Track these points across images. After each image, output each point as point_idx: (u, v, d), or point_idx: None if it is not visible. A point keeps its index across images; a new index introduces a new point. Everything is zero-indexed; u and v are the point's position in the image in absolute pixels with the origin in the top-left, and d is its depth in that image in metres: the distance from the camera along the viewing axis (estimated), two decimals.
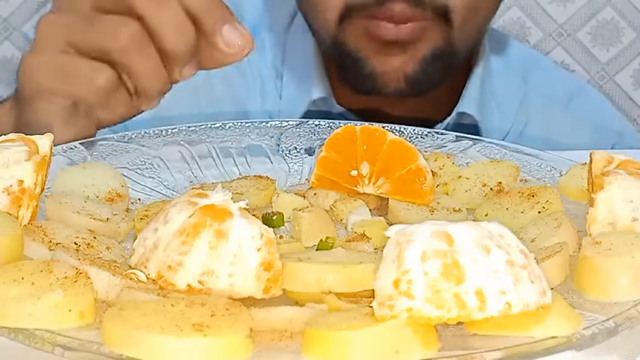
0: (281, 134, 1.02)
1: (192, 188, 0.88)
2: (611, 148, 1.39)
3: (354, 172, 0.88)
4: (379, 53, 1.22)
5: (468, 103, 1.32)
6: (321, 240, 0.78)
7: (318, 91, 1.30)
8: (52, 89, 0.92)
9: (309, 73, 1.32)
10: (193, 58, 0.92)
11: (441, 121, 1.32)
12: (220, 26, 0.89)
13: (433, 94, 1.29)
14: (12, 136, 0.78)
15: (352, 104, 1.30)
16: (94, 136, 0.97)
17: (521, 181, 0.92)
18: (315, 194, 0.88)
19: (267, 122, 1.03)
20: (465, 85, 1.33)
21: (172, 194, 0.91)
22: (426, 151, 0.96)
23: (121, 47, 0.88)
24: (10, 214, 0.73)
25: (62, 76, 0.91)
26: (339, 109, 1.30)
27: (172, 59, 0.91)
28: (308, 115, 1.30)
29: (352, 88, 1.27)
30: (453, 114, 1.32)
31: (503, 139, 1.33)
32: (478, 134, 1.29)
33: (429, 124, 1.28)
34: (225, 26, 0.89)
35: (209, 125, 1.01)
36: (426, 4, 1.20)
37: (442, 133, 1.02)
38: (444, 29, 1.22)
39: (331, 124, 1.02)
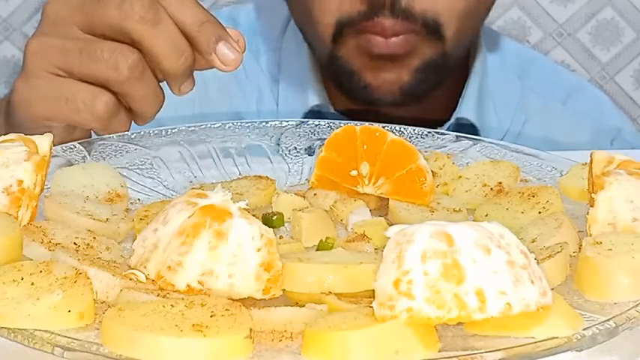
0: (281, 134, 1.02)
1: (192, 188, 0.88)
2: (610, 144, 1.39)
3: (354, 172, 0.88)
4: (372, 67, 1.23)
5: (466, 109, 1.32)
6: (321, 240, 0.78)
7: (314, 98, 1.31)
8: (50, 117, 0.91)
9: (305, 80, 1.32)
10: (191, 74, 0.92)
11: (440, 126, 1.31)
12: (215, 44, 0.89)
13: (431, 99, 1.29)
14: (12, 136, 0.77)
15: (348, 113, 1.30)
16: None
17: (521, 181, 0.92)
18: (315, 194, 0.88)
19: (267, 122, 1.03)
20: (463, 88, 1.33)
21: (172, 194, 0.91)
22: (426, 151, 0.96)
23: (122, 79, 0.88)
24: (10, 215, 0.73)
25: (60, 104, 0.90)
26: (337, 117, 1.30)
27: (171, 78, 0.90)
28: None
29: (350, 99, 1.28)
30: (452, 120, 1.32)
31: (501, 139, 1.33)
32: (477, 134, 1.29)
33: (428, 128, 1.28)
34: (220, 43, 0.89)
35: (209, 125, 1.01)
36: (415, 17, 1.20)
37: (442, 133, 1.02)
38: (436, 43, 1.22)
39: (331, 124, 1.02)
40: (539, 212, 0.82)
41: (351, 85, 1.25)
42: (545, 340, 0.61)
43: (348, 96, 1.27)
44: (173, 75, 0.90)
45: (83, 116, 0.90)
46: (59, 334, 0.60)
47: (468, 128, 1.30)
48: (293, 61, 1.35)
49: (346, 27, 1.21)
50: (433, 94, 1.28)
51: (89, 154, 0.93)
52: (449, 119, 1.32)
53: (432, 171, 0.87)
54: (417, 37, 1.21)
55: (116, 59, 0.87)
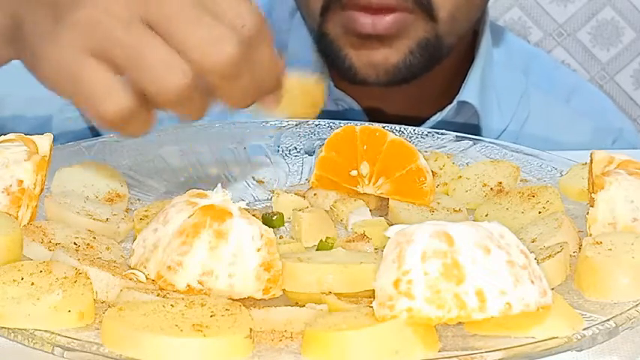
0: (281, 134, 1.02)
1: (192, 188, 0.88)
2: (612, 145, 1.39)
3: (354, 172, 0.88)
4: (358, 46, 1.22)
5: (469, 93, 1.32)
6: (321, 240, 0.78)
7: (315, 69, 1.31)
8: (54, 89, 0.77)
9: (308, 59, 1.32)
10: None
11: (440, 110, 1.32)
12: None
13: (434, 84, 1.29)
14: (12, 136, 0.78)
15: (348, 89, 1.31)
16: None
17: (521, 181, 0.92)
18: (315, 194, 0.88)
19: (267, 122, 1.03)
20: (466, 75, 1.33)
21: (172, 194, 0.91)
22: (426, 151, 0.96)
23: (163, 98, 0.71)
24: (10, 215, 0.73)
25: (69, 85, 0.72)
26: (338, 93, 1.30)
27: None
28: None
29: (338, 76, 1.28)
30: (454, 102, 1.32)
31: (503, 132, 1.33)
32: (479, 125, 1.30)
33: (430, 114, 1.28)
34: None
35: (209, 125, 1.01)
36: None
37: (442, 133, 1.02)
38: (430, 24, 1.21)
39: (331, 124, 1.02)
40: (539, 212, 0.83)
41: (336, 64, 1.24)
42: (545, 340, 0.61)
43: (337, 74, 1.27)
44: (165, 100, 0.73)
45: (91, 111, 0.72)
46: (59, 334, 0.61)
47: (470, 119, 1.30)
48: (299, 42, 1.35)
49: (332, 1, 1.21)
50: (436, 82, 1.28)
51: (90, 154, 0.93)
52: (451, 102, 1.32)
53: (432, 171, 0.87)
54: (408, 16, 1.19)
55: (165, 75, 0.70)
